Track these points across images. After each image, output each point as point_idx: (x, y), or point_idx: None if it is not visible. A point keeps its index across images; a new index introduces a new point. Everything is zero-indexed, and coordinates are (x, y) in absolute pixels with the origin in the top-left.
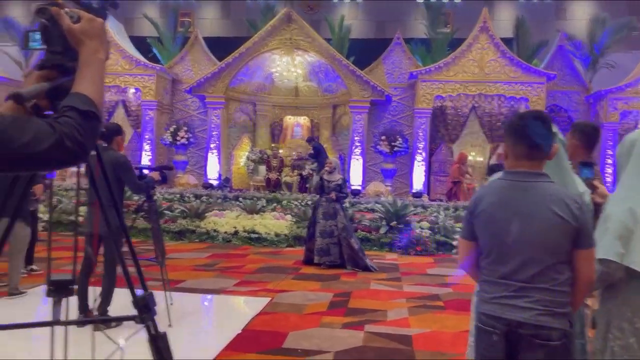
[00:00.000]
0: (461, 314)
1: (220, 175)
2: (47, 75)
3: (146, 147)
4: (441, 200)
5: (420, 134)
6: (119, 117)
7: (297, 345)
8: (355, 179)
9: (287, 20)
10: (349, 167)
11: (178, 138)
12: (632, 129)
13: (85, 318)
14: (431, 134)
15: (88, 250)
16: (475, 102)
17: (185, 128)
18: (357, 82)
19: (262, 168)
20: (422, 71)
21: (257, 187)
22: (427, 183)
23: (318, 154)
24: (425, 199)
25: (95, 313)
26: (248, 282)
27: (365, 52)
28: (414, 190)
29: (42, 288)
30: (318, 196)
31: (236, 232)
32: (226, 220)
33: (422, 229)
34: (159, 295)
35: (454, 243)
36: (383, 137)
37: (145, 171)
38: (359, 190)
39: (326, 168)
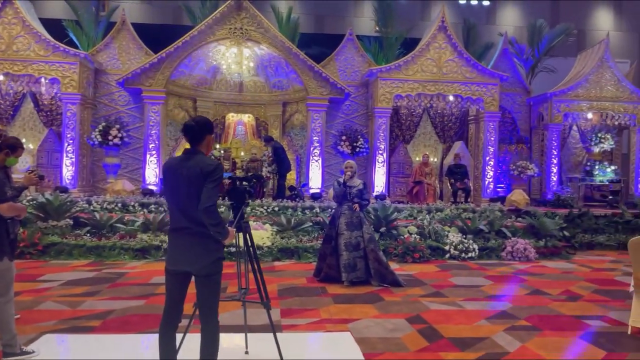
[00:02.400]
0: (565, 335)
1: (162, 179)
2: None
3: (69, 148)
4: (402, 202)
5: (381, 134)
6: (27, 112)
7: None
8: (315, 181)
9: (236, 8)
10: (308, 169)
11: (110, 137)
12: (567, 130)
13: None
14: None
15: None
16: (433, 102)
17: (118, 126)
18: (314, 79)
19: None
20: (381, 69)
21: None
22: (387, 184)
23: (277, 155)
24: (388, 201)
25: None
26: (291, 310)
27: (308, 47)
28: (375, 193)
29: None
30: (337, 205)
31: None
32: None
33: (410, 233)
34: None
35: (446, 248)
36: (344, 137)
37: None
38: (319, 193)
39: (347, 173)
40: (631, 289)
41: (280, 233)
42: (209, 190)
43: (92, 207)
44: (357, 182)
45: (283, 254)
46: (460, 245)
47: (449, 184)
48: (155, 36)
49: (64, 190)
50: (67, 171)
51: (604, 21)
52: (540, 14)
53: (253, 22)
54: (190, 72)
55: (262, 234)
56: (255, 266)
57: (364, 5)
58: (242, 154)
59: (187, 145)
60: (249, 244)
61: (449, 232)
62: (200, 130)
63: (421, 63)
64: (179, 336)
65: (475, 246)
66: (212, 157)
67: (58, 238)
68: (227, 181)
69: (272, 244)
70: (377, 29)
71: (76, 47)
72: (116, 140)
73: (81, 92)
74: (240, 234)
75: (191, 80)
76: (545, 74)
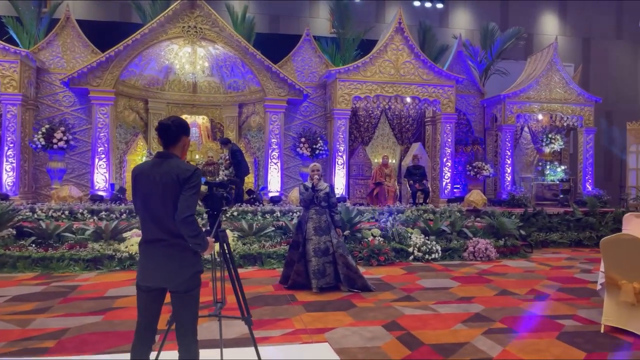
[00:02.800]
0: (543, 336)
1: (112, 185)
2: None
3: (9, 152)
4: (362, 204)
5: (340, 135)
6: None
7: None
8: (274, 185)
9: (190, 6)
10: (266, 172)
11: (54, 140)
12: (519, 131)
13: None
14: None
15: None
16: (392, 104)
17: (63, 128)
18: (272, 79)
19: None
20: (340, 70)
21: None
22: (347, 187)
23: (235, 158)
24: (348, 203)
25: None
26: (262, 321)
27: (263, 47)
28: (336, 195)
29: None
30: (303, 209)
31: None
32: None
33: (374, 236)
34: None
35: (410, 250)
36: (303, 139)
37: None
38: (279, 197)
39: (315, 176)
40: (599, 287)
41: (242, 239)
42: (187, 199)
43: (36, 215)
44: (324, 186)
45: (246, 261)
46: (424, 247)
47: (408, 186)
48: (102, 34)
49: (5, 197)
50: (8, 177)
51: (549, 26)
52: (491, 17)
53: (207, 20)
54: (141, 72)
55: None
56: (235, 277)
57: (320, 6)
58: (197, 157)
59: (141, 148)
60: (227, 253)
61: (411, 233)
62: (177, 131)
63: (379, 64)
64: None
65: (438, 247)
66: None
67: (0, 249)
68: (204, 187)
69: (234, 250)
70: (332, 30)
71: (17, 44)
72: (61, 144)
73: (22, 92)
74: (217, 244)
75: (142, 80)
76: (496, 76)
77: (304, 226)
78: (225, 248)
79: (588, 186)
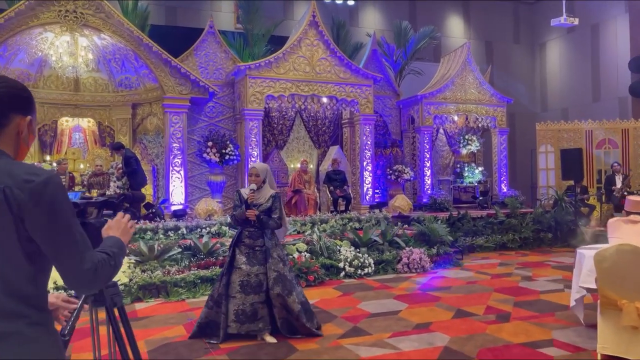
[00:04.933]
0: None
1: None
2: None
3: None
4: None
5: (253, 139)
6: None
7: None
8: (177, 196)
9: None
10: (167, 182)
11: None
12: (435, 133)
13: None
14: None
15: None
16: (307, 104)
17: None
18: (172, 75)
19: None
20: (250, 66)
21: None
22: None
23: (129, 166)
24: None
25: None
26: None
27: (159, 41)
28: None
29: None
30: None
31: None
32: None
33: (299, 252)
34: None
35: (340, 265)
36: (210, 143)
37: None
38: (183, 210)
39: (254, 182)
40: (572, 302)
41: (141, 265)
42: (63, 236)
43: None
44: (267, 195)
45: (146, 292)
46: (355, 261)
47: (328, 192)
48: None
49: None
50: None
51: (455, 29)
52: (400, 18)
53: (90, 4)
54: (7, 65)
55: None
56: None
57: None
58: (82, 166)
59: None
60: (121, 326)
61: (340, 246)
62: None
63: (293, 61)
64: None
65: (371, 260)
66: None
67: None
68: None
69: (130, 280)
70: (237, 25)
71: None
72: None
73: None
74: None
75: (8, 75)
76: (411, 77)
77: (234, 250)
78: (118, 315)
79: (503, 187)
